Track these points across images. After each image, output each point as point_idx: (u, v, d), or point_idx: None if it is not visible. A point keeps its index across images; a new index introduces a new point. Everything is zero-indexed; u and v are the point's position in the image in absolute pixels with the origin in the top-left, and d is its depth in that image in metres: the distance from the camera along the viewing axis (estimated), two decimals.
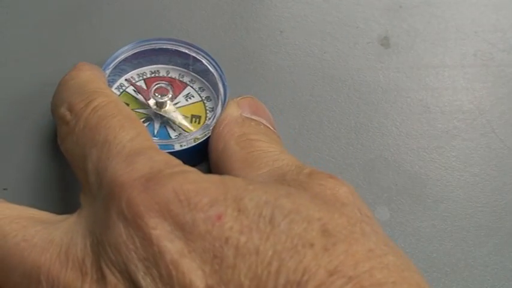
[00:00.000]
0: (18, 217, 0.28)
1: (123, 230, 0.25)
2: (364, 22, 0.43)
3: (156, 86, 0.37)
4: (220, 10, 0.43)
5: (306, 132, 0.38)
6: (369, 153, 0.38)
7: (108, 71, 0.37)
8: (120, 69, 0.38)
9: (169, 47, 0.38)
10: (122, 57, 0.37)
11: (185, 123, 0.36)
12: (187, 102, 0.38)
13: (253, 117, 0.34)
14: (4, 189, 0.36)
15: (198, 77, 0.38)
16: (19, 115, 0.38)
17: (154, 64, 0.39)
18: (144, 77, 0.38)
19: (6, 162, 0.36)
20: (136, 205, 0.25)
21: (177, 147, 0.35)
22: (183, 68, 0.39)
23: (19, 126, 0.38)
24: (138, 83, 0.38)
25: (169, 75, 0.38)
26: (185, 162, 0.36)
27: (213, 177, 0.27)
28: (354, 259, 0.24)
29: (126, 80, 0.38)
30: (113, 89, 0.38)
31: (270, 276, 0.24)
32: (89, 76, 0.33)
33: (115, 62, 0.37)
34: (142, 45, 0.38)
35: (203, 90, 0.38)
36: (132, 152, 0.28)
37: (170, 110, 0.37)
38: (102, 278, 0.25)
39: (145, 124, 0.37)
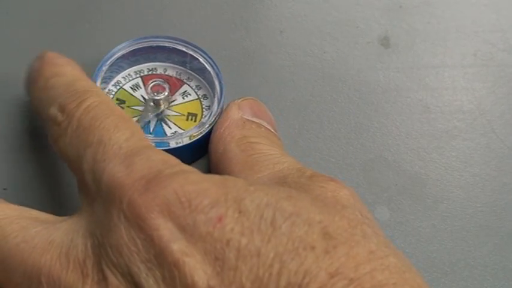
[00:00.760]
0: (18, 218, 0.28)
1: (124, 231, 0.25)
2: (364, 22, 0.43)
3: (153, 84, 0.37)
4: (220, 10, 0.43)
5: (306, 132, 0.38)
6: (369, 153, 0.38)
7: (105, 68, 0.37)
8: (118, 66, 0.38)
9: (166, 44, 0.38)
10: (119, 54, 0.38)
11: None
12: (183, 100, 0.38)
13: (254, 119, 0.34)
14: (4, 189, 0.36)
15: (195, 75, 0.38)
16: (19, 115, 0.38)
17: (151, 62, 0.39)
18: (141, 74, 0.38)
19: (6, 163, 0.36)
20: (137, 207, 0.25)
21: (173, 145, 0.35)
22: (180, 66, 0.39)
23: (19, 126, 0.38)
24: (134, 80, 0.38)
25: (166, 73, 0.39)
26: (181, 159, 0.36)
27: (213, 178, 0.27)
28: (355, 261, 0.24)
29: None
30: (110, 85, 0.38)
31: (272, 278, 0.24)
32: (74, 73, 0.33)
33: (112, 58, 0.37)
34: (139, 43, 0.38)
35: (200, 88, 0.38)
36: (129, 153, 0.28)
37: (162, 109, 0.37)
38: (103, 279, 0.25)
39: (142, 122, 0.37)
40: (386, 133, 0.39)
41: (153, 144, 0.35)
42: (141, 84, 0.38)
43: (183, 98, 0.38)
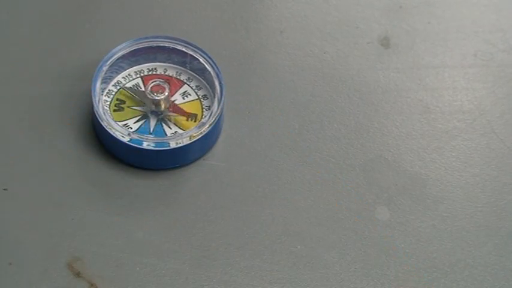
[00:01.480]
0: None
1: None
2: (364, 22, 0.43)
3: (153, 84, 0.37)
4: (220, 10, 0.43)
5: (306, 132, 0.38)
6: (369, 153, 0.38)
7: (105, 68, 0.37)
8: (118, 66, 0.38)
9: (166, 44, 0.38)
10: (119, 54, 0.38)
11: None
12: (183, 100, 0.38)
13: None
14: (4, 189, 0.36)
15: (195, 75, 0.38)
16: (19, 115, 0.38)
17: (151, 62, 0.39)
18: (142, 74, 0.38)
19: (6, 163, 0.36)
20: None
21: (173, 145, 0.35)
22: (180, 66, 0.39)
23: (19, 126, 0.38)
24: (135, 80, 0.38)
25: (166, 73, 0.38)
26: (181, 159, 0.36)
27: None
28: None
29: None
30: (110, 86, 0.38)
31: None
32: None
33: (112, 59, 0.37)
34: (139, 43, 0.38)
35: (200, 88, 0.38)
36: None
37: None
38: None
39: (142, 121, 0.37)
40: (386, 133, 0.39)
41: (153, 145, 0.35)
42: (141, 84, 0.38)
43: (183, 98, 0.38)
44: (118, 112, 0.37)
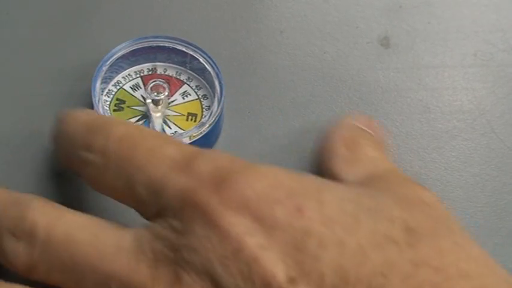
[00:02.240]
0: (88, 225, 0.28)
1: (199, 231, 0.25)
2: (364, 22, 0.43)
3: (153, 84, 0.37)
4: (220, 10, 0.43)
5: (306, 132, 0.38)
6: None
7: (105, 68, 0.37)
8: (118, 66, 0.38)
9: (166, 44, 0.38)
10: (119, 54, 0.38)
11: (159, 129, 0.36)
12: (183, 100, 0.38)
13: (367, 129, 0.34)
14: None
15: (195, 75, 0.38)
16: (19, 115, 0.38)
17: (151, 62, 0.39)
18: (141, 74, 0.38)
19: (6, 163, 0.36)
20: (213, 206, 0.25)
21: None
22: (180, 66, 0.39)
23: (19, 126, 0.38)
24: (135, 80, 0.38)
25: (166, 73, 0.39)
26: None
27: (285, 170, 0.27)
28: (439, 251, 0.24)
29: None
30: (110, 86, 0.38)
31: (354, 267, 0.24)
32: (83, 116, 0.31)
33: (112, 59, 0.37)
34: (139, 43, 0.38)
35: (200, 88, 0.38)
36: (186, 161, 0.27)
37: (156, 114, 0.37)
38: (177, 280, 0.25)
39: (142, 121, 0.37)
40: (386, 133, 0.39)
41: None
42: (141, 84, 0.38)
43: (183, 98, 0.38)
44: (118, 112, 0.37)
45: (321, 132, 0.38)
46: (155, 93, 0.37)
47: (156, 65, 0.39)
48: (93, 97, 0.36)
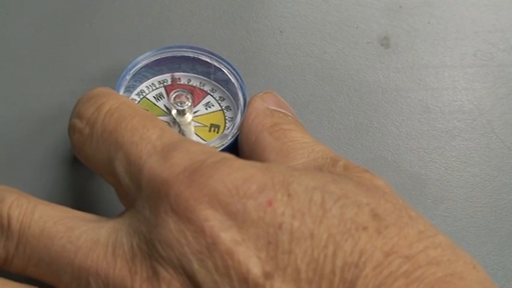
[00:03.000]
0: (63, 218, 0.28)
1: (173, 225, 0.25)
2: (364, 22, 0.43)
3: (176, 94, 0.37)
4: (220, 10, 0.43)
5: None
6: (369, 153, 0.38)
7: (128, 77, 0.37)
8: (141, 75, 0.38)
9: (190, 54, 0.38)
10: (143, 63, 0.37)
11: (194, 138, 0.36)
12: (206, 111, 0.38)
13: (279, 109, 0.34)
14: None
15: (219, 86, 0.38)
16: (19, 115, 0.38)
17: (175, 71, 0.38)
18: (165, 84, 0.38)
19: (6, 163, 0.36)
20: (185, 200, 0.25)
21: None
22: (204, 76, 0.38)
23: (19, 126, 0.38)
24: (158, 90, 0.38)
25: (190, 83, 0.38)
26: None
27: (256, 164, 0.27)
28: (407, 240, 0.25)
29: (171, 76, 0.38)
30: (133, 95, 0.38)
31: (327, 260, 0.24)
32: (95, 89, 0.32)
33: (136, 68, 0.37)
34: (163, 52, 0.38)
35: (223, 99, 0.38)
36: (166, 148, 0.27)
37: (185, 121, 0.37)
38: (153, 275, 0.25)
39: None
40: (386, 133, 0.39)
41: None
42: (164, 94, 0.38)
43: (206, 109, 0.38)
44: None
45: (320, 132, 0.38)
46: (178, 103, 0.37)
47: (180, 75, 0.38)
48: None
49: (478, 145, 0.39)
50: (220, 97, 0.38)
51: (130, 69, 0.37)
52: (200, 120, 0.37)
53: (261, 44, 0.41)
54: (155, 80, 0.38)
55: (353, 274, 0.24)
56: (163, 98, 0.38)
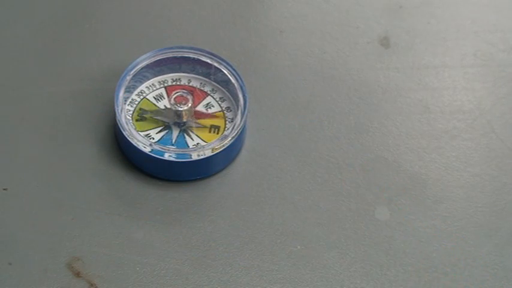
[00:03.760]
0: None
1: None
2: (364, 22, 0.43)
3: (176, 95, 0.37)
4: (220, 10, 0.43)
5: (306, 132, 0.38)
6: (369, 153, 0.38)
7: (128, 77, 0.37)
8: (141, 75, 0.38)
9: (191, 55, 0.38)
10: (144, 63, 0.37)
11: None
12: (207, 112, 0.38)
13: None
14: (4, 189, 0.36)
15: (219, 87, 0.38)
16: (20, 115, 0.38)
17: (176, 72, 0.38)
18: (165, 84, 0.38)
19: (6, 163, 0.36)
20: None
21: (195, 157, 0.35)
22: (204, 77, 0.38)
23: (19, 126, 0.38)
24: (158, 90, 0.38)
25: (190, 84, 0.38)
26: (203, 172, 0.36)
27: None
28: None
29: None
30: (133, 95, 0.37)
31: None
32: None
33: (136, 68, 0.37)
34: (164, 53, 0.38)
35: (224, 100, 0.38)
36: None
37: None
38: None
39: (164, 132, 0.37)
40: (386, 133, 0.39)
41: (175, 156, 0.35)
42: (164, 94, 0.38)
43: (207, 110, 0.38)
44: (141, 122, 0.37)
45: (320, 132, 0.38)
46: (178, 104, 0.37)
47: (180, 76, 0.38)
48: (115, 106, 0.36)
49: (478, 145, 0.39)
50: (220, 98, 0.38)
51: (131, 70, 0.37)
52: (200, 121, 0.37)
53: (261, 44, 0.41)
54: (155, 80, 0.38)
55: None
56: (164, 98, 0.38)
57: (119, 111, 0.36)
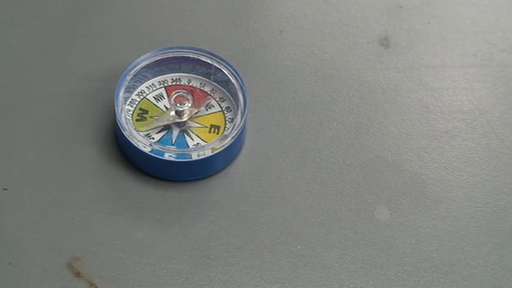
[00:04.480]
0: None
1: None
2: (364, 22, 0.43)
3: (176, 95, 0.37)
4: (220, 10, 0.43)
5: (306, 132, 0.38)
6: (369, 153, 0.38)
7: (128, 77, 0.37)
8: (142, 75, 0.38)
9: (191, 55, 0.38)
10: (144, 63, 0.37)
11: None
12: (207, 112, 0.38)
13: None
14: (4, 189, 0.36)
15: (219, 87, 0.38)
16: (20, 115, 0.38)
17: (176, 72, 0.38)
18: (165, 84, 0.38)
19: (6, 162, 0.36)
20: None
21: (195, 157, 0.35)
22: (204, 77, 0.38)
23: (19, 126, 0.38)
24: (158, 90, 0.38)
25: (190, 84, 0.38)
26: (202, 172, 0.36)
27: None
28: None
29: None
30: (133, 95, 0.37)
31: None
32: None
33: (136, 68, 0.37)
34: (164, 53, 0.38)
35: (224, 100, 0.38)
36: None
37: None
38: None
39: (164, 132, 0.37)
40: (386, 133, 0.39)
41: (175, 156, 0.35)
42: (164, 94, 0.38)
43: (207, 110, 0.38)
44: (141, 122, 0.37)
45: (320, 132, 0.38)
46: (178, 104, 0.37)
47: (180, 76, 0.38)
48: (115, 106, 0.36)
49: (478, 145, 0.39)
50: (220, 98, 0.38)
51: (131, 70, 0.37)
52: (200, 121, 0.37)
53: (261, 44, 0.41)
54: (155, 80, 0.38)
55: None
56: (164, 98, 0.38)
57: (119, 111, 0.36)
